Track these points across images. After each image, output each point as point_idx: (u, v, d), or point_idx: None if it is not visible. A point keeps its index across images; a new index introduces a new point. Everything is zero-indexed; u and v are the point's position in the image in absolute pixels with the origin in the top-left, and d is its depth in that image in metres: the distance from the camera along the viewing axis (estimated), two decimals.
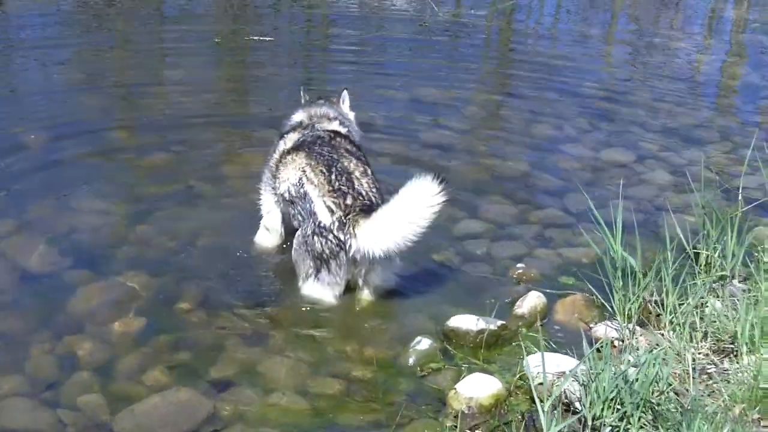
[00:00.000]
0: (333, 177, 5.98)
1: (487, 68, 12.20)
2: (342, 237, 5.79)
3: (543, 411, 4.53)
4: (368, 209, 5.82)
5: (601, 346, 4.88)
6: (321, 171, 6.04)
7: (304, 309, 6.04)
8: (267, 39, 12.53)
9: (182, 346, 5.66)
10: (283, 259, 6.57)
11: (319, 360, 5.58)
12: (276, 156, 6.55)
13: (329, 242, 5.83)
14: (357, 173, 6.05)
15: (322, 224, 5.87)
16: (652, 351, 4.96)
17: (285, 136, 6.68)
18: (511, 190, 7.98)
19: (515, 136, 9.28)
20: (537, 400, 4.58)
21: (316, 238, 5.88)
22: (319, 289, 6.03)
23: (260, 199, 6.79)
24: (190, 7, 14.96)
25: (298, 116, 6.88)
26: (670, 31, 15.57)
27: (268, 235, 6.77)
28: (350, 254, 5.81)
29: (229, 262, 6.63)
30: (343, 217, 5.81)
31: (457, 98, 10.51)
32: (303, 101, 7.07)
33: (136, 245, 6.82)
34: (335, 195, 5.89)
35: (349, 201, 5.86)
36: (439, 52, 12.99)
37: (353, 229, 5.75)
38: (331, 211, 5.86)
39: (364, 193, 5.93)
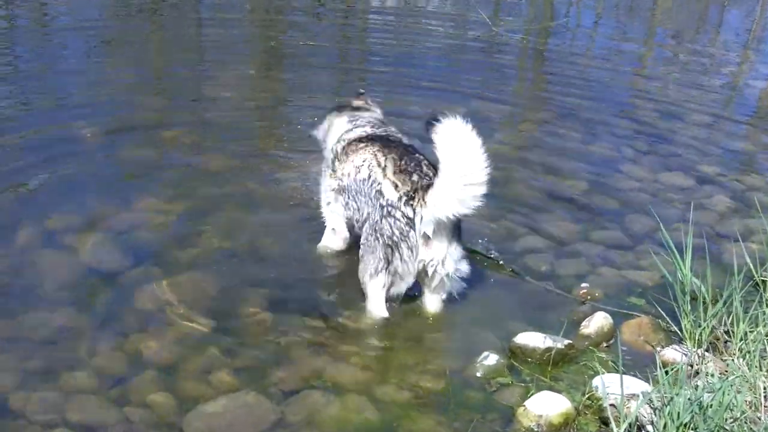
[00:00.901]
0: (401, 160, 5.92)
1: (541, 85, 12.13)
2: (410, 213, 5.70)
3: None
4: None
5: (675, 371, 4.83)
6: (389, 156, 5.98)
7: (369, 318, 5.97)
8: (324, 45, 12.54)
9: (248, 350, 5.66)
10: (347, 265, 6.53)
11: (385, 369, 5.57)
12: (337, 152, 6.48)
13: (398, 222, 5.72)
14: (425, 163, 5.98)
15: (389, 201, 5.78)
16: (727, 378, 4.88)
17: (341, 136, 6.61)
18: (570, 208, 7.93)
19: (572, 155, 9.22)
20: (612, 422, 4.54)
21: (384, 221, 5.78)
22: (392, 284, 5.92)
23: (321, 203, 6.74)
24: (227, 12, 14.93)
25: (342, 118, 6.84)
26: (714, 50, 15.48)
27: (333, 238, 6.72)
28: (421, 232, 5.70)
29: (292, 266, 6.65)
30: (410, 192, 5.73)
31: (512, 114, 10.44)
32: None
33: (199, 246, 6.83)
34: (401, 173, 5.82)
35: (415, 178, 5.78)
36: (491, 66, 12.95)
37: (421, 199, 5.66)
38: (397, 187, 5.78)
39: (431, 174, 5.82)
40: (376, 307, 5.97)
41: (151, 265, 6.50)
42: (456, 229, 5.80)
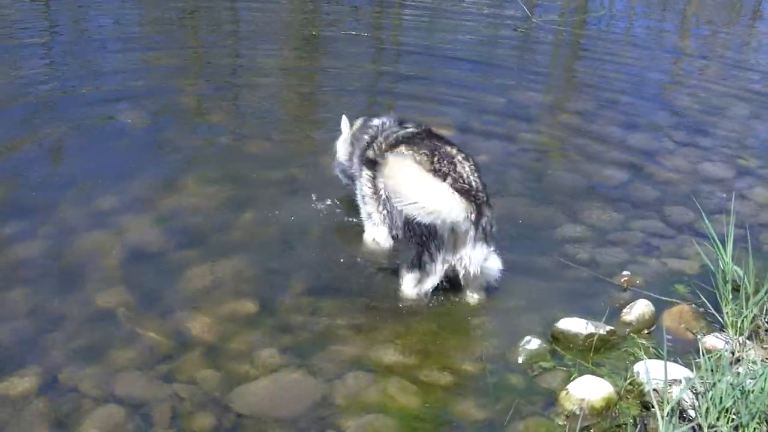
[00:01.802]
0: (435, 159, 5.93)
1: (579, 76, 12.12)
2: None
3: (661, 417, 4.53)
4: (466, 192, 5.73)
5: (717, 357, 4.87)
6: (423, 154, 5.99)
7: (411, 303, 6.03)
8: (364, 35, 12.59)
9: (293, 330, 5.74)
10: (388, 252, 6.62)
11: (428, 353, 5.62)
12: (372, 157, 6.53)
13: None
14: (459, 158, 6.01)
15: None
16: None
17: (372, 145, 6.65)
18: (611, 197, 7.95)
19: (612, 145, 9.22)
20: (656, 406, 4.59)
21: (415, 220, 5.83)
22: (420, 280, 6.01)
23: (362, 213, 6.78)
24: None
25: (364, 133, 6.90)
26: (751, 39, 15.42)
27: (376, 245, 6.76)
28: (446, 233, 5.75)
29: (335, 251, 6.71)
30: None
31: (551, 104, 10.46)
32: (347, 128, 7.20)
33: (243, 230, 6.93)
34: (436, 174, 5.81)
35: (449, 181, 5.79)
36: (530, 56, 12.96)
37: None
38: None
39: (465, 175, 5.87)
40: (407, 294, 6.07)
41: (195, 247, 6.60)
42: (482, 230, 5.81)
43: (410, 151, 6.06)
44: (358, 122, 7.08)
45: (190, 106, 9.55)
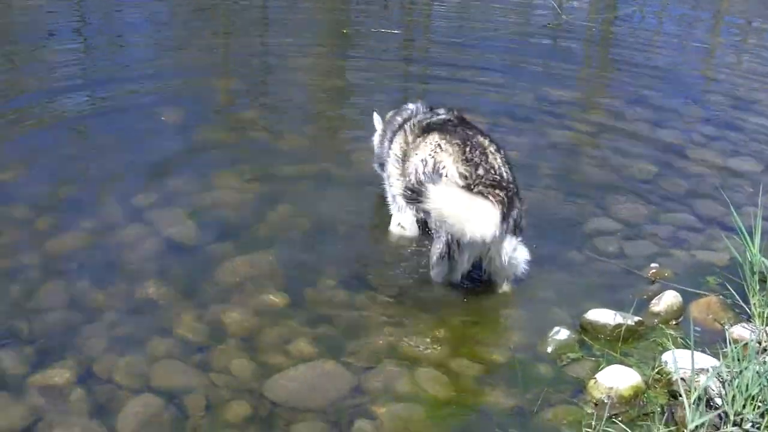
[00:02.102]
0: (467, 149, 6.00)
1: (609, 71, 12.13)
2: None
3: (688, 404, 4.61)
4: (497, 184, 5.84)
5: (744, 346, 4.93)
6: (456, 143, 6.06)
7: (440, 294, 6.14)
8: (394, 32, 12.69)
9: (325, 322, 5.85)
10: (418, 245, 6.74)
11: (458, 343, 5.72)
12: (402, 144, 6.63)
13: None
14: (491, 149, 6.08)
15: None
16: None
17: (403, 126, 6.75)
18: (640, 191, 7.99)
19: (642, 139, 9.26)
20: (683, 394, 4.67)
21: None
22: (448, 270, 6.13)
23: (389, 197, 6.92)
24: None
25: (399, 117, 6.98)
26: None
27: (403, 231, 6.87)
28: None
29: (365, 244, 6.89)
30: (470, 185, 5.82)
31: (581, 99, 10.52)
32: (379, 124, 7.30)
33: (275, 224, 7.05)
34: (468, 164, 5.92)
35: (480, 171, 5.88)
36: (560, 54, 12.98)
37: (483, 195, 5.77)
38: (464, 178, 5.87)
39: (496, 167, 5.95)
40: (438, 282, 6.22)
41: (229, 241, 6.72)
42: (512, 222, 5.86)
43: (441, 137, 6.13)
44: (390, 114, 7.16)
45: (222, 103, 9.67)
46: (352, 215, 7.20)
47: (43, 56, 11.04)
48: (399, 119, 6.85)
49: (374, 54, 11.86)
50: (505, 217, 5.69)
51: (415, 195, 5.55)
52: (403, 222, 6.79)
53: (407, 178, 6.35)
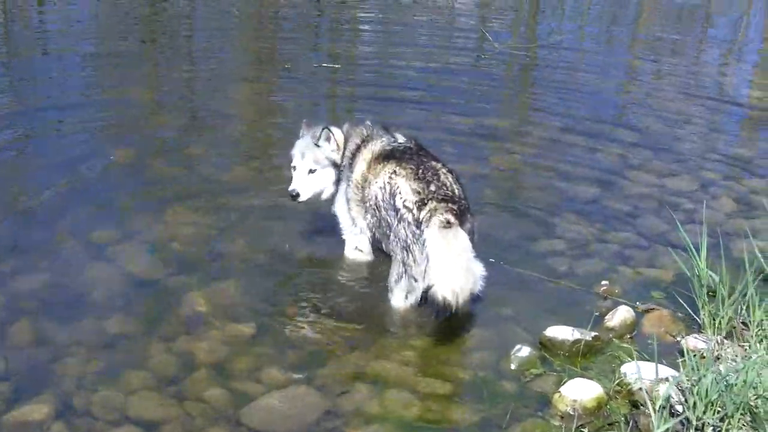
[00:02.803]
0: (420, 170, 6.28)
1: (542, 98, 12.40)
2: (420, 217, 6.06)
3: (654, 411, 4.83)
4: (449, 198, 6.11)
5: (701, 355, 5.17)
6: (410, 167, 6.32)
7: (403, 317, 6.35)
8: (335, 66, 12.91)
9: (292, 349, 6.01)
10: (374, 269, 6.95)
11: (423, 364, 5.90)
12: (363, 170, 6.71)
13: (410, 225, 6.09)
14: (443, 170, 6.36)
15: (405, 203, 6.15)
16: (750, 358, 5.22)
17: (362, 150, 6.83)
18: (584, 212, 8.26)
19: (580, 163, 9.55)
20: (647, 403, 4.88)
21: (399, 225, 6.16)
22: (409, 290, 6.31)
23: (343, 224, 7.03)
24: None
25: (355, 136, 6.99)
26: (700, 59, 15.87)
27: (360, 255, 7.06)
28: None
29: (325, 272, 7.06)
30: (424, 199, 6.09)
31: (518, 126, 10.77)
32: (302, 134, 7.08)
33: (233, 255, 7.19)
34: (421, 182, 6.19)
35: (432, 188, 6.15)
36: (495, 82, 13.30)
37: (433, 210, 6.02)
38: (417, 193, 6.13)
39: (448, 184, 6.24)
40: (397, 305, 6.41)
41: (189, 273, 6.84)
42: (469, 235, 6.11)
43: (398, 163, 6.37)
44: (345, 128, 7.08)
45: (168, 139, 9.74)
46: (307, 244, 7.38)
47: None
48: (357, 140, 6.91)
49: (313, 89, 12.04)
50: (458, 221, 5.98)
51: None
52: (360, 245, 6.95)
53: (367, 204, 6.52)
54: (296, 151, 6.91)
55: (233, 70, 12.62)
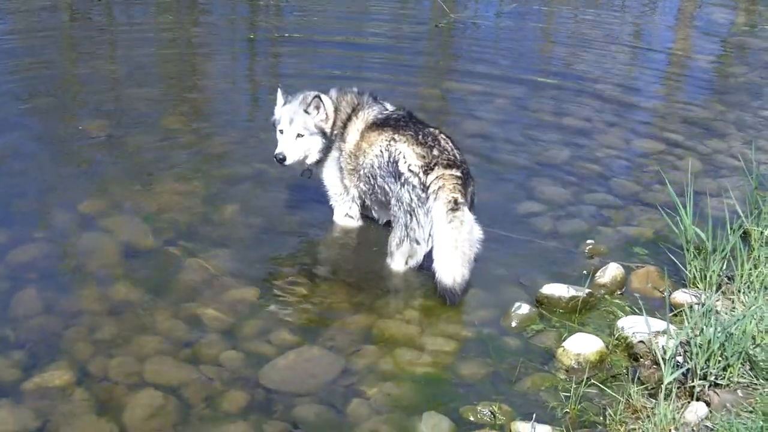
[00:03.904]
0: (420, 136, 6.46)
1: (507, 65, 12.51)
2: (427, 182, 6.25)
3: (662, 362, 5.06)
4: (452, 163, 6.32)
5: (704, 308, 5.41)
6: (409, 134, 6.49)
7: (401, 280, 6.54)
8: (295, 35, 12.97)
9: (299, 312, 6.19)
10: (368, 234, 7.16)
11: (427, 323, 6.10)
12: (356, 138, 6.84)
13: (416, 189, 6.28)
14: (442, 136, 6.55)
15: (410, 167, 6.33)
16: (749, 309, 5.46)
17: (353, 118, 6.94)
18: (558, 174, 8.47)
19: (549, 127, 9.73)
20: (659, 355, 5.16)
21: (403, 189, 6.34)
22: (410, 254, 6.50)
23: (332, 191, 7.20)
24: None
25: (345, 104, 7.09)
26: (653, 24, 16.11)
27: (350, 222, 7.24)
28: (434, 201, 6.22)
29: (317, 238, 7.29)
30: (430, 164, 6.29)
31: (485, 92, 10.92)
32: (281, 100, 7.10)
33: (225, 223, 7.31)
34: (423, 147, 6.38)
35: (435, 152, 6.35)
36: (456, 51, 13.48)
37: (440, 177, 6.24)
38: (421, 158, 6.32)
39: (449, 149, 6.44)
40: (397, 269, 6.58)
41: (185, 241, 6.95)
42: (469, 199, 6.35)
43: (394, 131, 6.54)
44: (334, 95, 7.14)
45: (146, 111, 9.71)
46: (296, 211, 7.53)
47: None
48: (348, 109, 7.01)
49: (278, 58, 12.12)
50: (465, 192, 6.17)
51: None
52: (350, 212, 7.11)
53: (361, 172, 6.66)
54: (284, 116, 6.93)
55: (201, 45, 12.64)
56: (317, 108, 6.91)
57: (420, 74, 11.71)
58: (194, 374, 5.42)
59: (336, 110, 7.03)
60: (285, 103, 7.00)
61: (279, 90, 7.11)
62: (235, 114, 9.85)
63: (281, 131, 6.92)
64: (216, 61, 12.00)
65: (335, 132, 6.99)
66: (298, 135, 6.90)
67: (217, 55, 12.23)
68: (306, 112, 6.91)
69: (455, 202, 6.13)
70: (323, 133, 6.96)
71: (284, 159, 6.87)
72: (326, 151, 7.06)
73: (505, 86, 11.12)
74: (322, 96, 6.98)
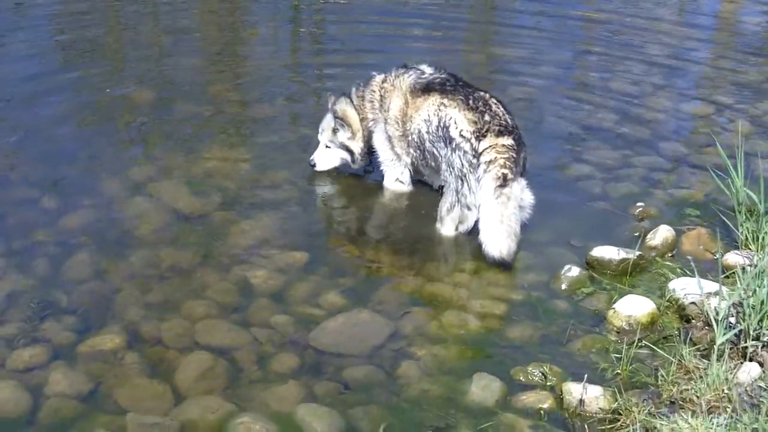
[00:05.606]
0: (470, 101, 6.42)
1: (550, 29, 12.40)
2: (479, 149, 6.22)
3: (715, 323, 5.00)
4: (504, 129, 6.28)
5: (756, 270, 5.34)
6: (459, 98, 6.46)
7: (449, 244, 6.53)
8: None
9: (347, 276, 6.19)
10: (418, 199, 7.13)
11: (475, 287, 6.09)
12: (401, 105, 6.82)
13: (467, 155, 6.26)
14: (492, 100, 6.50)
15: (462, 133, 6.30)
16: None
17: (397, 88, 6.91)
18: (606, 137, 8.40)
19: (596, 91, 9.65)
20: (711, 316, 5.09)
21: (455, 154, 6.31)
22: (460, 219, 6.49)
23: (383, 157, 7.17)
24: None
25: (371, 93, 7.17)
26: None
27: (401, 186, 7.20)
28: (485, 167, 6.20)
29: (367, 202, 7.24)
30: (482, 130, 6.26)
31: (531, 57, 10.83)
32: (331, 105, 7.33)
33: (272, 188, 7.30)
34: (475, 112, 6.34)
35: (487, 118, 6.31)
36: (501, 16, 13.37)
37: (492, 143, 6.23)
38: (473, 123, 6.29)
39: (500, 114, 6.39)
40: (447, 234, 6.55)
41: (233, 207, 7.00)
42: (521, 165, 6.31)
43: (442, 95, 6.51)
44: (354, 94, 7.29)
45: (190, 80, 9.73)
46: (345, 176, 7.48)
47: None
48: (376, 93, 7.06)
49: (320, 26, 12.13)
50: (516, 162, 6.07)
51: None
52: (401, 177, 7.07)
53: (409, 138, 6.63)
54: (321, 125, 7.36)
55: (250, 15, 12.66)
56: (342, 127, 7.15)
57: (464, 39, 11.61)
58: (245, 337, 5.45)
59: (361, 108, 7.23)
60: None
61: (329, 98, 7.44)
62: (280, 81, 9.79)
63: (319, 138, 7.28)
64: (260, 28, 11.95)
65: (371, 117, 7.16)
66: (327, 146, 7.26)
67: (261, 23, 12.18)
68: (334, 130, 7.16)
69: (504, 178, 6.10)
70: (347, 149, 7.24)
71: (314, 166, 7.33)
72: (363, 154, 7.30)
73: (551, 50, 10.99)
74: (345, 112, 7.21)
